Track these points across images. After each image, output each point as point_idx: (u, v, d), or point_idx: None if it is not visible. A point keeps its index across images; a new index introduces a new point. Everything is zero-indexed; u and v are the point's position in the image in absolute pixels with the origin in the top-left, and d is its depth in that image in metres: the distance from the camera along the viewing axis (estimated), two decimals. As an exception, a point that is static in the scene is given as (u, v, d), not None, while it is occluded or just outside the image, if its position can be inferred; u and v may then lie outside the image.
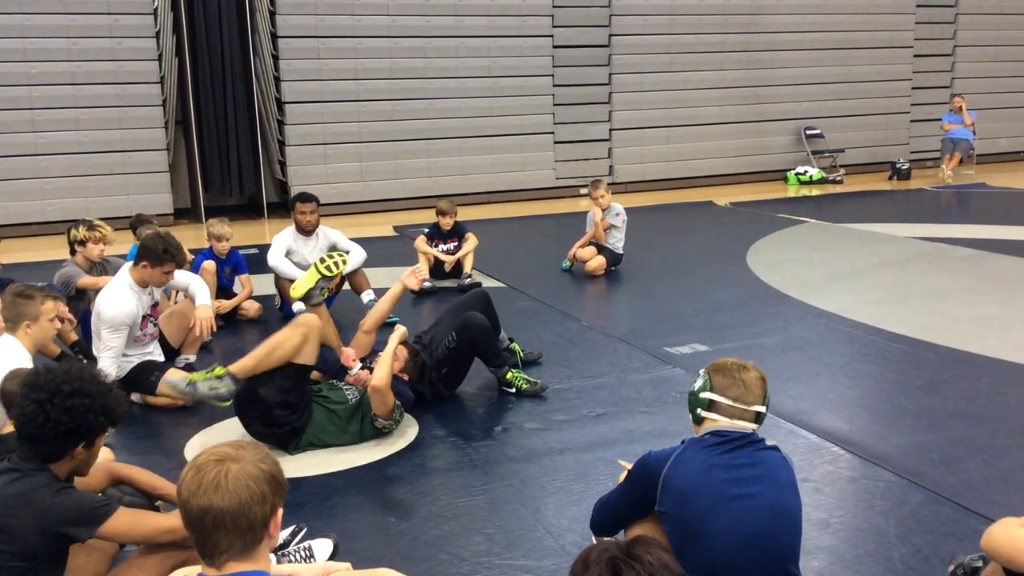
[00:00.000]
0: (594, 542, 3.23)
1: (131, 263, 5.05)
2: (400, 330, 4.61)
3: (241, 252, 7.18)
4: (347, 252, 6.89)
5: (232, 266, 6.90)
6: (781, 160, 14.59)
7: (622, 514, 2.85)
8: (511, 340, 5.56)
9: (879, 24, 14.84)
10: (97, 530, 2.61)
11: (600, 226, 8.06)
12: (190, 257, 6.96)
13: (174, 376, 4.41)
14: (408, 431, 4.59)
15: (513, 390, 5.04)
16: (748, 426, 2.69)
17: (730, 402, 2.68)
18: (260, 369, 4.29)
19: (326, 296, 4.87)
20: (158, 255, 4.88)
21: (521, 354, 5.52)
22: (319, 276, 4.79)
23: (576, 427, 4.59)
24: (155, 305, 5.16)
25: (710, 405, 2.70)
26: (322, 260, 4.86)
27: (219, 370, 4.30)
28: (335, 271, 4.83)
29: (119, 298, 4.87)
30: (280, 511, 1.96)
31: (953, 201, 12.48)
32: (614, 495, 2.86)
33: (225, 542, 1.87)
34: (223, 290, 6.74)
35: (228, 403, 4.36)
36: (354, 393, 4.50)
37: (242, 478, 1.88)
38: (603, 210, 8.18)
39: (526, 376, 5.11)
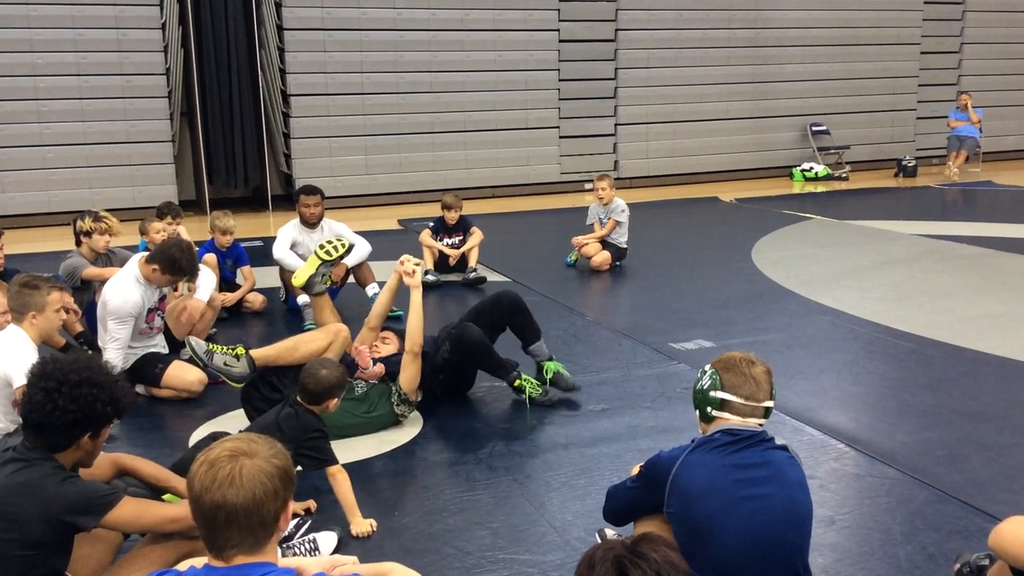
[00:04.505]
0: (598, 540, 3.24)
1: (142, 256, 5.05)
2: (416, 287, 4.56)
3: (246, 244, 7.18)
4: (352, 244, 6.90)
5: (234, 258, 6.91)
6: (787, 156, 14.56)
7: (631, 508, 2.84)
8: (551, 358, 5.02)
9: (886, 21, 14.80)
10: (102, 519, 2.61)
11: (607, 228, 8.07)
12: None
13: (197, 341, 4.45)
14: (413, 425, 4.59)
15: (524, 396, 4.78)
16: (758, 423, 2.68)
17: (743, 401, 2.66)
18: (279, 362, 4.35)
19: (328, 284, 4.88)
20: (175, 268, 4.91)
21: (562, 372, 4.97)
22: (319, 262, 4.80)
23: (580, 422, 4.59)
24: (162, 299, 5.17)
25: (722, 404, 2.67)
26: (321, 246, 4.85)
27: (240, 349, 4.36)
28: (335, 255, 4.82)
29: (125, 290, 4.88)
30: (291, 505, 1.96)
31: (959, 199, 12.44)
32: (625, 486, 2.85)
33: (236, 537, 1.87)
34: (226, 283, 6.75)
35: (238, 384, 4.37)
36: (362, 385, 4.52)
37: (256, 475, 1.88)
38: (604, 205, 8.19)
39: (536, 382, 4.82)
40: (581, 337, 6.07)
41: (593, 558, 1.77)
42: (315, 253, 4.83)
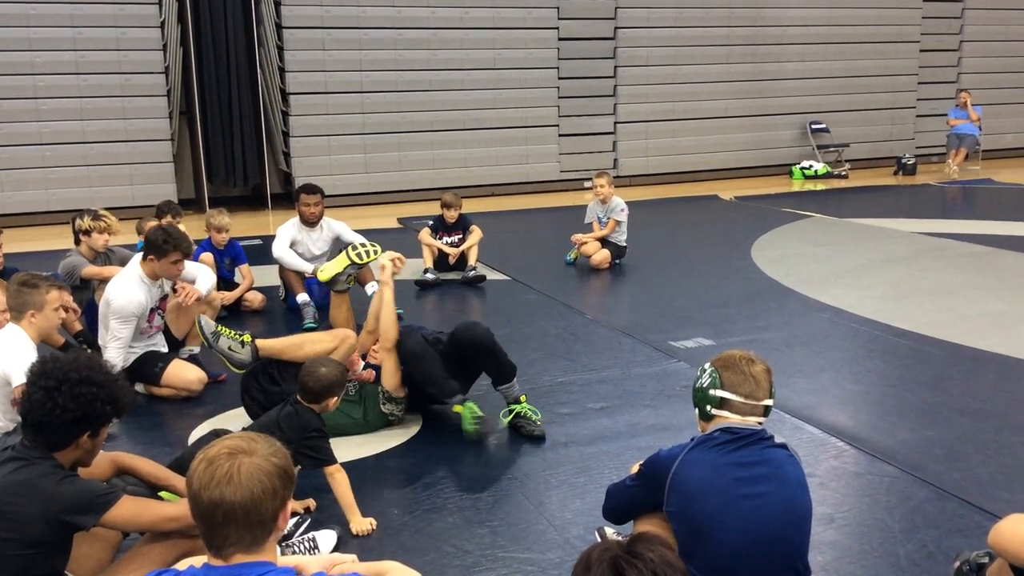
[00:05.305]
0: (598, 539, 3.24)
1: (141, 255, 5.05)
2: (387, 283, 4.47)
3: (245, 243, 7.18)
4: (353, 244, 6.89)
5: (232, 257, 6.90)
6: (786, 154, 14.56)
7: (630, 506, 2.84)
8: (519, 400, 4.53)
9: (885, 19, 14.79)
10: (101, 518, 2.61)
11: (608, 229, 8.07)
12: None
13: (207, 320, 4.46)
14: (411, 424, 4.58)
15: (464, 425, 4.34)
16: (758, 421, 2.68)
17: (742, 399, 2.66)
18: (283, 356, 4.37)
19: (352, 284, 4.87)
20: (159, 247, 4.89)
21: (528, 416, 4.46)
22: (348, 262, 4.79)
23: (579, 420, 4.59)
24: (164, 298, 5.18)
25: (721, 403, 2.67)
26: (354, 247, 4.84)
27: (247, 337, 4.39)
28: (365, 259, 4.82)
29: (129, 290, 4.88)
30: (290, 504, 1.96)
31: (958, 197, 12.44)
32: (624, 485, 2.85)
33: (235, 535, 1.87)
34: (224, 281, 6.73)
35: (240, 371, 4.40)
36: (353, 385, 4.50)
37: (254, 473, 1.87)
38: (603, 202, 8.20)
39: (475, 410, 4.35)
40: (580, 335, 6.07)
41: (589, 559, 1.77)
42: (346, 252, 4.83)
